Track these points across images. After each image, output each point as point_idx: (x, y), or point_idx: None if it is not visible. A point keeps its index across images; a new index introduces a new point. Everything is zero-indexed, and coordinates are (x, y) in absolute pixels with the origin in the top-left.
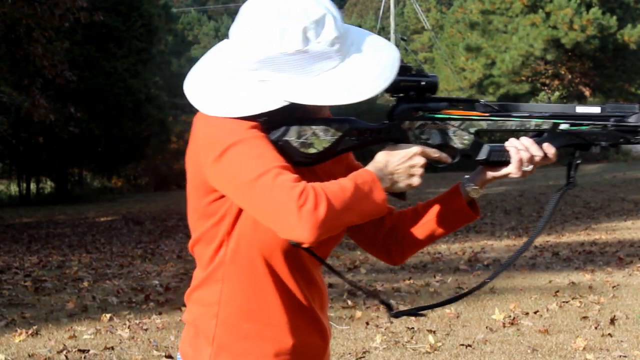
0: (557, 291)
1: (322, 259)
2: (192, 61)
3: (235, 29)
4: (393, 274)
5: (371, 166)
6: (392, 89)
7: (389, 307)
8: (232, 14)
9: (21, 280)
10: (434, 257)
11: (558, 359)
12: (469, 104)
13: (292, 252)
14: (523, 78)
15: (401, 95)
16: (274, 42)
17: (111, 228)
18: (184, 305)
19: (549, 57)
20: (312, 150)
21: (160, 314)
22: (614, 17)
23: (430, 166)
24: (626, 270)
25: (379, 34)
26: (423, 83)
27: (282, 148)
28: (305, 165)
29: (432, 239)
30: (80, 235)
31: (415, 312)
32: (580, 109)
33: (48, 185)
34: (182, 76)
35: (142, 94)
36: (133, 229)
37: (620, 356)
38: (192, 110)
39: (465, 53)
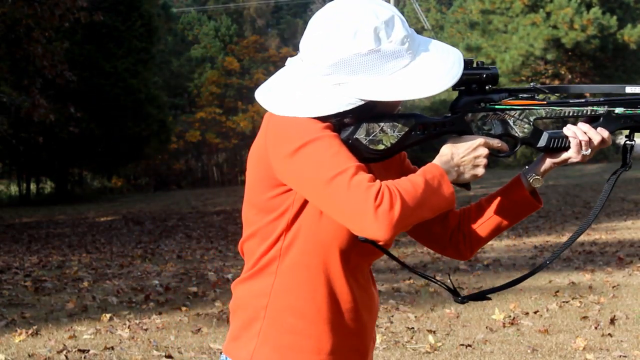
0: (557, 291)
1: (391, 254)
2: (192, 61)
3: (305, 39)
4: (393, 274)
5: (437, 160)
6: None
7: (455, 293)
8: (232, 14)
9: (21, 280)
10: (434, 257)
11: (558, 359)
12: (528, 92)
13: (348, 253)
14: (523, 78)
15: (462, 88)
16: (347, 44)
17: (111, 228)
18: (184, 306)
19: (549, 56)
20: (380, 147)
21: (160, 314)
22: (614, 17)
23: (493, 156)
24: (626, 270)
25: None
26: (484, 76)
27: (352, 146)
28: (373, 162)
29: (498, 231)
30: (80, 235)
31: (481, 296)
32: (630, 89)
33: (48, 185)
34: (182, 76)
35: (142, 93)
36: (133, 229)
37: (620, 356)
38: (192, 111)
39: (465, 53)
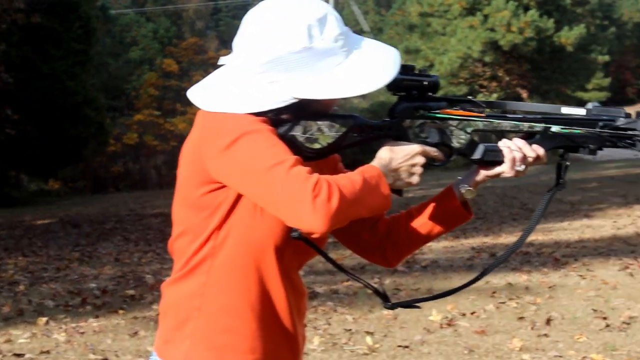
0: (494, 292)
1: (323, 252)
2: (131, 63)
3: (239, 37)
4: (332, 276)
5: (376, 162)
6: (394, 87)
7: (384, 298)
8: (171, 16)
9: None
10: None
11: None
12: (466, 103)
13: (282, 251)
14: (461, 80)
15: (403, 93)
16: (280, 42)
17: (48, 231)
18: (121, 309)
19: (486, 59)
20: (316, 146)
21: (97, 317)
22: (551, 20)
23: (428, 164)
24: (562, 271)
25: None
26: (425, 83)
27: (289, 142)
28: (308, 160)
29: (427, 239)
30: (16, 238)
31: (410, 304)
32: (566, 110)
33: None
34: (120, 78)
35: (80, 96)
36: (70, 232)
37: (556, 356)
38: (130, 113)
39: (404, 55)
